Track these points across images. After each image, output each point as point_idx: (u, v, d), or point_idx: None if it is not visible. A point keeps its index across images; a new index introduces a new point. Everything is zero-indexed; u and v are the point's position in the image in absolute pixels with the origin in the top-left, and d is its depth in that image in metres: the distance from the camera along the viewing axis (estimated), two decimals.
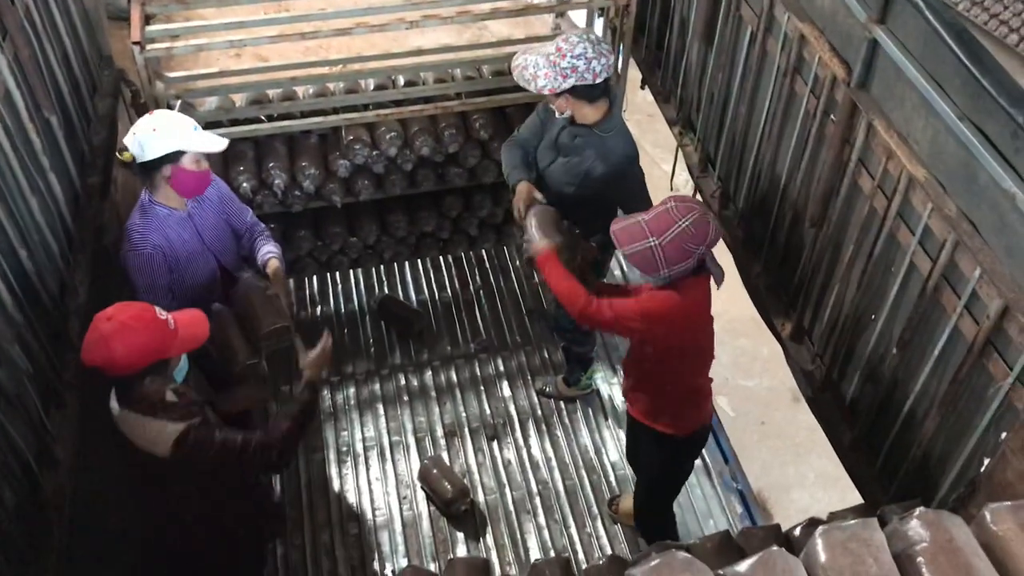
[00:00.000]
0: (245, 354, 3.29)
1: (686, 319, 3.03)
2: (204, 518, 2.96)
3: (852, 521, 1.67)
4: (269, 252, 3.55)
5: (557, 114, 3.51)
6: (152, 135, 3.10)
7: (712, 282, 3.02)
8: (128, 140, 3.17)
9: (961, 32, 2.51)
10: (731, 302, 6.66)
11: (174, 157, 3.14)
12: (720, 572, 1.62)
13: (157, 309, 2.72)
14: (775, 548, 1.64)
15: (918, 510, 1.68)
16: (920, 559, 1.61)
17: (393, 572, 4.00)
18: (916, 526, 1.65)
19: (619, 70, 4.33)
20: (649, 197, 3.62)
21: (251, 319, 3.32)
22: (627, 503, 4.12)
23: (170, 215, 3.29)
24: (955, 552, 1.61)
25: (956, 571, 1.58)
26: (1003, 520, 1.67)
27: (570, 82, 3.32)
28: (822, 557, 1.62)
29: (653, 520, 3.87)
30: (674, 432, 3.36)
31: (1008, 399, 2.52)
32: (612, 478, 4.36)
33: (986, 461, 2.61)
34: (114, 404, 2.75)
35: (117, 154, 3.29)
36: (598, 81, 3.35)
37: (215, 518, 2.98)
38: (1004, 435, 2.53)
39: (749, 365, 6.50)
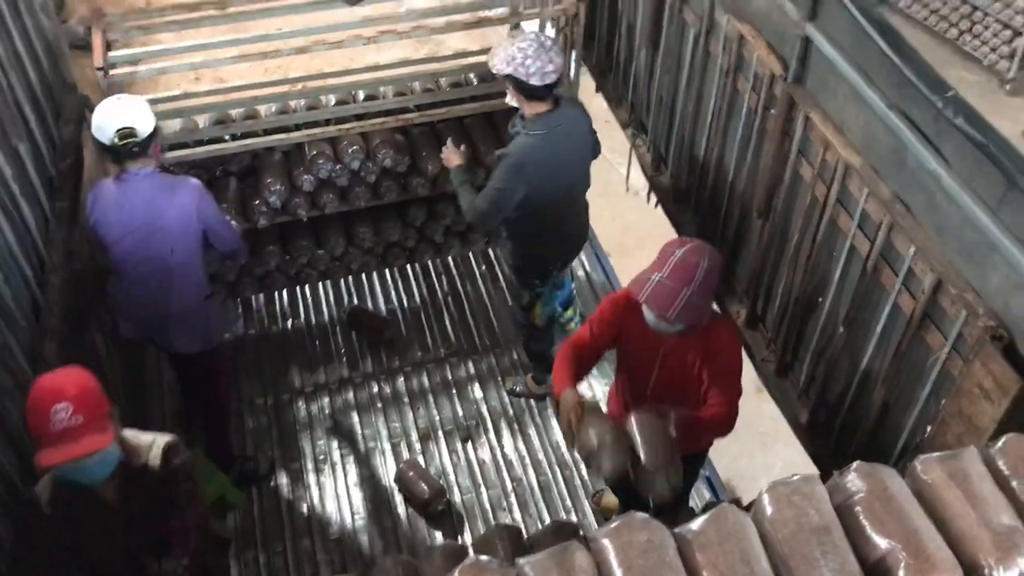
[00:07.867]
0: None
1: None
2: None
3: (795, 477, 1.81)
4: None
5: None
6: (146, 108, 3.47)
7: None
8: (132, 121, 3.42)
9: (885, 26, 2.68)
10: None
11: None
12: (676, 530, 1.74)
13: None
14: (726, 504, 1.77)
15: (855, 463, 1.82)
16: (858, 508, 1.75)
17: None
18: (854, 478, 1.79)
19: (571, 76, 4.48)
20: (495, 187, 3.78)
21: None
22: (609, 499, 4.24)
23: None
24: (890, 499, 1.75)
25: (891, 516, 1.72)
26: (932, 470, 1.82)
27: (508, 70, 3.57)
28: (768, 511, 1.76)
29: None
30: None
31: (945, 367, 2.69)
32: (584, 473, 4.47)
33: (928, 428, 2.78)
34: None
35: (132, 137, 3.43)
36: (532, 81, 3.57)
37: None
38: (943, 402, 2.70)
39: None
